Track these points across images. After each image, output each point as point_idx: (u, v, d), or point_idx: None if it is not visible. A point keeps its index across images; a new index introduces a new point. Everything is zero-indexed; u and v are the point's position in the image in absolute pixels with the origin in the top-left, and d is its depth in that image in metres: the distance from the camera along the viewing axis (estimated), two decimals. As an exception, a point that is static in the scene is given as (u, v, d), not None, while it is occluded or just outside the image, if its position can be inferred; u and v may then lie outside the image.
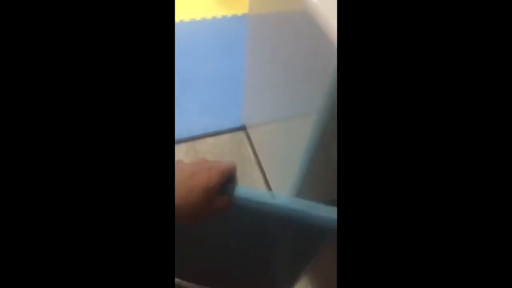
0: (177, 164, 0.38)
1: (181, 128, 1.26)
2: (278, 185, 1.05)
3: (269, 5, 0.83)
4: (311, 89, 0.70)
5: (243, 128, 1.28)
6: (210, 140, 1.25)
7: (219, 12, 1.85)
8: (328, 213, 0.38)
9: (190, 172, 0.37)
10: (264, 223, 0.44)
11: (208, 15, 1.83)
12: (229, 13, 1.85)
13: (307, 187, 0.93)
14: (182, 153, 1.21)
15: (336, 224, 0.37)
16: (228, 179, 0.40)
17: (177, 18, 1.78)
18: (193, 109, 1.34)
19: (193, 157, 1.21)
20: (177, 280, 0.66)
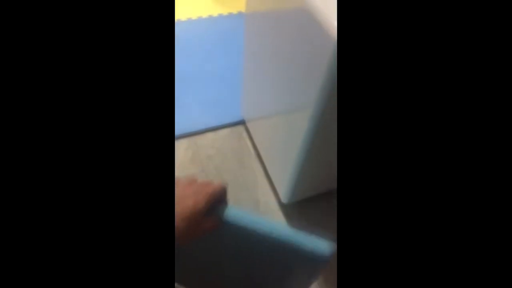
0: None
1: (181, 124, 1.28)
2: (278, 176, 1.08)
3: (267, 2, 0.85)
4: (308, 83, 0.71)
5: (242, 122, 1.30)
6: (210, 135, 1.27)
7: (215, 10, 1.88)
8: (317, 245, 0.37)
9: (177, 198, 0.36)
10: (252, 245, 0.43)
11: (205, 14, 1.85)
12: (225, 11, 1.88)
13: (305, 178, 0.97)
14: (183, 148, 1.24)
15: (325, 257, 0.37)
16: (217, 200, 0.39)
17: (176, 17, 1.80)
18: (193, 105, 1.36)
19: (194, 152, 1.24)
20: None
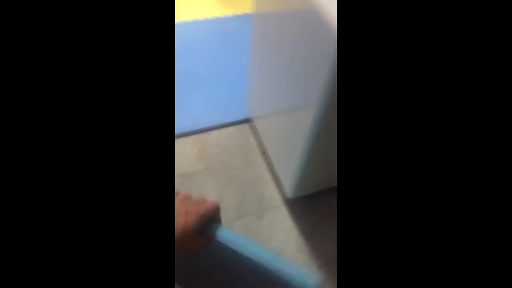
0: None
1: (189, 122, 1.32)
2: (283, 172, 1.11)
3: (275, 4, 0.88)
4: (313, 82, 0.74)
5: (248, 120, 1.34)
6: (216, 132, 1.31)
7: (221, 12, 1.92)
8: (305, 279, 0.37)
9: None
10: (240, 269, 0.43)
11: (210, 15, 1.89)
12: (230, 13, 1.92)
13: (309, 173, 1.00)
14: (190, 146, 1.27)
15: None
16: (209, 219, 0.39)
17: (181, 19, 1.84)
18: (200, 103, 1.39)
19: (201, 149, 1.27)
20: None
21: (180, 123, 1.32)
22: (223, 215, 1.21)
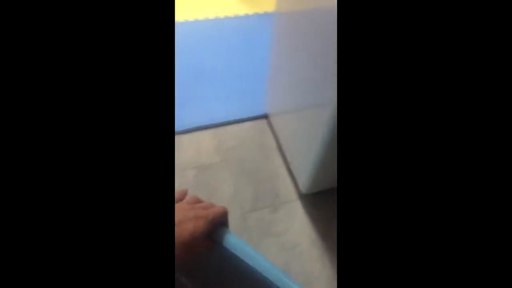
0: None
1: (208, 116, 1.35)
2: (299, 167, 1.12)
3: (297, 3, 0.89)
4: (330, 82, 0.75)
5: (265, 116, 1.36)
6: (234, 127, 1.33)
7: (242, 11, 1.95)
8: None
9: (177, 221, 0.37)
10: (242, 278, 0.43)
11: (231, 13, 1.93)
12: (251, 11, 1.95)
13: (324, 170, 1.01)
14: (208, 138, 1.30)
15: None
16: (217, 224, 0.40)
17: (203, 16, 1.89)
18: (219, 98, 1.42)
19: (218, 142, 1.30)
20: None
21: (199, 117, 1.35)
22: (239, 206, 1.24)
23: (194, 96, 1.44)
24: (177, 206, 0.40)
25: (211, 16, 1.89)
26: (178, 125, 1.32)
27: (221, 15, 1.91)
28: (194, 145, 1.29)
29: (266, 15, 1.93)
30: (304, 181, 1.08)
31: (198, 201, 0.43)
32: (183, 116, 1.35)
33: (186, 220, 0.37)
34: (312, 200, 1.16)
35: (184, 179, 1.19)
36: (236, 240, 0.40)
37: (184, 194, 0.45)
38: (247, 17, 1.92)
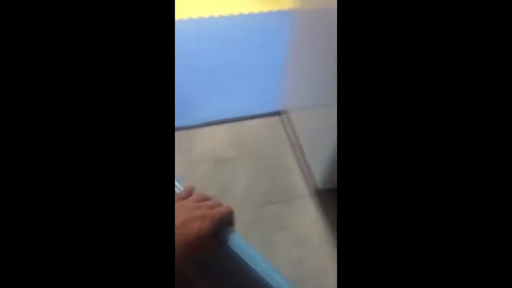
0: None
1: (225, 110, 1.37)
2: (314, 163, 1.14)
3: (316, 1, 0.91)
4: None
5: (281, 112, 1.38)
6: (250, 122, 1.36)
7: (261, 8, 1.97)
8: None
9: (183, 219, 0.37)
10: (242, 279, 0.43)
11: (248, 11, 1.95)
12: (267, 9, 1.97)
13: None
14: (224, 133, 1.33)
15: None
16: (223, 224, 0.40)
17: (223, 13, 1.91)
18: (236, 94, 1.45)
19: (234, 136, 1.32)
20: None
21: (216, 111, 1.38)
22: (253, 200, 1.26)
23: (212, 91, 1.46)
24: (184, 204, 0.40)
25: (229, 13, 1.91)
26: (195, 119, 1.35)
27: (238, 12, 1.93)
28: (210, 138, 1.31)
29: (282, 12, 1.94)
30: (318, 178, 1.10)
31: (204, 198, 0.43)
32: (200, 110, 1.38)
33: (192, 219, 0.37)
34: (325, 197, 1.18)
35: (199, 171, 1.22)
36: (241, 241, 0.41)
37: (190, 192, 0.46)
38: (263, 14, 1.94)
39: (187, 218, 0.37)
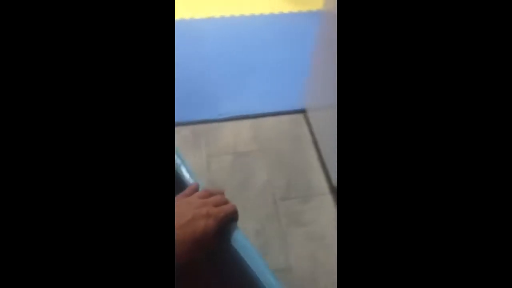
0: (176, 205, 0.38)
1: (247, 106, 1.41)
2: (332, 163, 1.16)
3: None
4: None
5: (303, 111, 1.40)
6: (272, 119, 1.39)
7: (287, 8, 2.00)
8: None
9: (189, 217, 0.38)
10: (240, 277, 0.43)
11: (276, 11, 1.98)
12: (295, 9, 1.99)
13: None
14: (246, 128, 1.36)
15: None
16: (227, 222, 0.41)
17: (248, 12, 1.95)
18: (260, 91, 1.49)
19: (256, 132, 1.35)
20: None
21: (240, 106, 1.42)
22: (271, 194, 1.29)
23: (237, 87, 1.51)
24: (189, 201, 0.41)
25: (257, 12, 1.95)
26: (219, 113, 1.39)
27: (267, 12, 1.96)
28: (233, 133, 1.35)
29: (311, 13, 1.96)
30: (337, 176, 1.11)
31: (210, 194, 0.43)
32: (226, 105, 1.42)
33: (198, 217, 0.38)
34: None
35: (221, 163, 1.26)
36: (244, 241, 0.42)
37: (195, 189, 0.46)
38: (293, 14, 1.96)
39: (193, 215, 0.38)
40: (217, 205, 0.41)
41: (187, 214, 0.38)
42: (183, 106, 1.43)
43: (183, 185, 0.46)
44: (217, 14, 1.94)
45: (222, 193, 0.44)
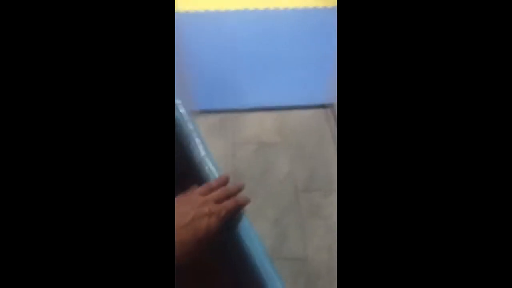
0: (178, 204, 0.37)
1: (273, 98, 1.44)
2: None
3: None
4: None
5: (327, 106, 1.42)
6: (297, 112, 1.41)
7: (313, 3, 2.01)
8: None
9: (191, 217, 0.37)
10: (240, 265, 0.43)
11: (301, 5, 1.99)
12: (321, 5, 2.00)
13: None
14: (271, 119, 1.39)
15: None
16: (230, 218, 0.40)
17: (274, 6, 1.96)
18: (287, 84, 1.51)
19: (281, 124, 1.37)
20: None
21: (266, 98, 1.44)
22: (293, 185, 1.30)
23: (263, 79, 1.53)
24: (190, 199, 0.40)
25: (283, 6, 1.96)
26: (244, 103, 1.42)
27: (292, 6, 1.97)
28: (257, 123, 1.38)
29: (334, 9, 1.96)
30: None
31: (211, 189, 0.42)
32: (252, 96, 1.45)
33: (200, 217, 0.37)
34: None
35: (244, 152, 1.29)
36: (249, 230, 0.41)
37: (211, 188, 0.45)
38: (319, 9, 1.97)
39: (195, 215, 0.37)
40: (218, 201, 0.40)
41: (188, 213, 0.37)
42: (212, 95, 1.46)
43: (206, 177, 0.46)
44: (250, 6, 1.95)
45: (224, 185, 0.43)
